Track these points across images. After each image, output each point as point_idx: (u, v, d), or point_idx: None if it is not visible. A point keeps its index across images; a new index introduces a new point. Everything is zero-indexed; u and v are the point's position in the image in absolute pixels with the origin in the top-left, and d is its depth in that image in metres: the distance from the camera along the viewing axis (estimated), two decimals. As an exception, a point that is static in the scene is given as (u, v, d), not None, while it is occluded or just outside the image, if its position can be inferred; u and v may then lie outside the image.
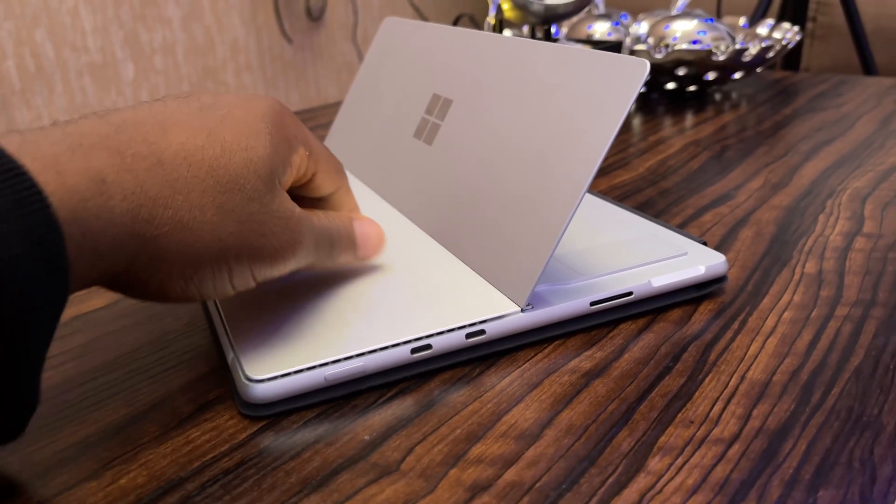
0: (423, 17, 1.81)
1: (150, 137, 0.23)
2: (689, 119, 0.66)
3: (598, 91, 0.29)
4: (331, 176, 0.29)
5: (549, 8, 0.55)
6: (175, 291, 0.24)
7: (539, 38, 0.60)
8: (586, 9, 0.75)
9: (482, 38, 0.37)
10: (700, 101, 0.73)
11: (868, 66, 1.23)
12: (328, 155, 0.29)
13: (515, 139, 0.32)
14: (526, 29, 0.64)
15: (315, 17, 1.55)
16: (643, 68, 0.27)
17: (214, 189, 0.23)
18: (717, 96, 0.76)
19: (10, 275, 0.18)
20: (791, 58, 1.29)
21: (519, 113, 0.32)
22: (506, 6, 0.56)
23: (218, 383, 0.27)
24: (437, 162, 0.37)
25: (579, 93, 0.29)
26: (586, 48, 0.30)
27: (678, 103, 0.73)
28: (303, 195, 0.29)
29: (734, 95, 0.76)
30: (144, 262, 0.22)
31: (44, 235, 0.19)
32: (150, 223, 0.22)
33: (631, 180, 0.49)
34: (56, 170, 0.20)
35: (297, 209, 0.26)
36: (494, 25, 0.60)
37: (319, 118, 0.70)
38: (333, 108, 0.74)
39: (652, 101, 0.74)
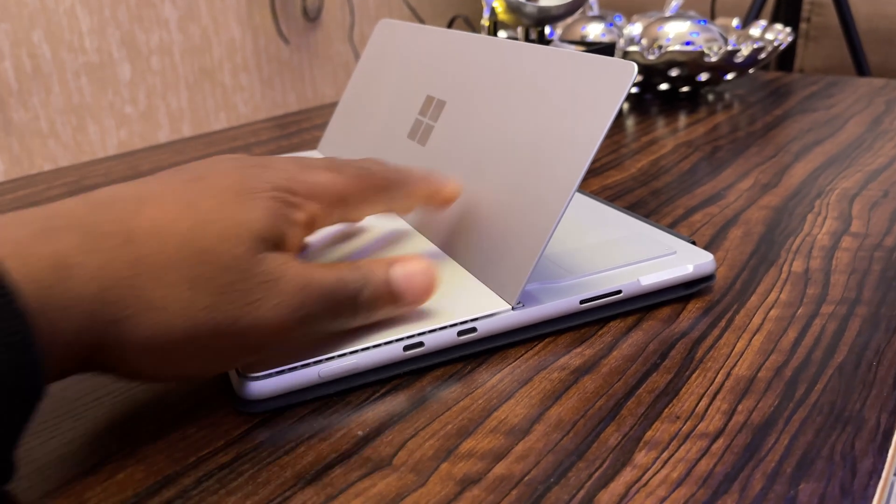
0: (419, 19, 1.82)
1: (123, 215, 0.22)
2: (682, 120, 0.67)
3: (587, 93, 0.29)
4: (370, 204, 0.27)
5: (542, 10, 0.56)
6: (150, 373, 0.23)
7: (533, 40, 0.61)
8: (580, 10, 0.75)
9: (475, 41, 0.38)
10: (693, 102, 0.74)
11: (861, 67, 1.24)
12: (360, 185, 0.27)
13: (506, 140, 0.32)
14: (520, 31, 0.65)
15: (311, 17, 1.55)
16: (631, 71, 0.28)
17: (186, 263, 0.22)
18: (710, 97, 0.76)
19: None
20: (785, 58, 1.30)
21: (510, 114, 0.33)
22: (499, 8, 0.57)
23: (214, 380, 0.27)
24: (430, 162, 0.37)
25: (569, 95, 0.30)
26: (577, 51, 0.31)
27: (671, 104, 0.73)
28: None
29: (727, 96, 0.76)
30: (112, 346, 0.21)
31: (9, 332, 0.18)
32: (115, 305, 0.21)
33: (623, 180, 0.50)
34: (20, 256, 0.19)
35: (292, 270, 0.23)
36: (489, 27, 0.61)
37: (315, 119, 0.71)
38: (330, 108, 0.75)
39: (645, 102, 0.75)
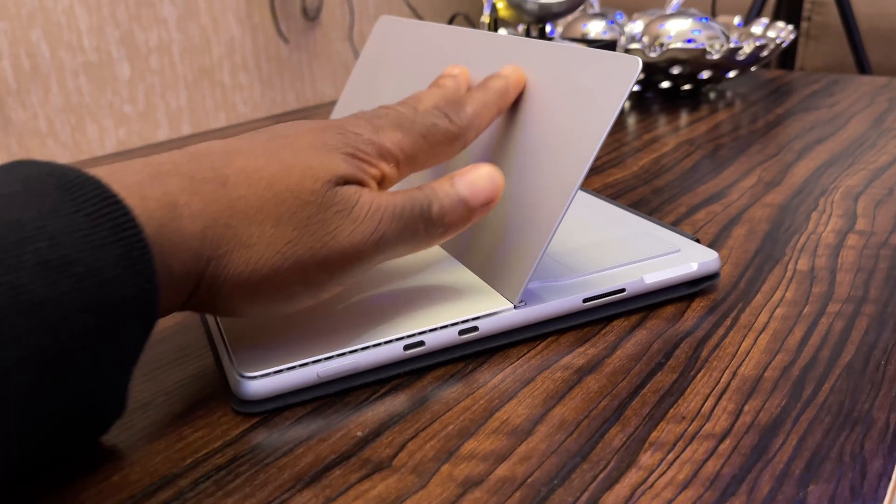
0: (419, 17, 1.82)
1: (217, 163, 0.24)
2: (684, 118, 0.66)
3: (590, 89, 0.29)
4: (441, 156, 0.28)
5: (543, 7, 0.55)
6: (243, 307, 0.24)
7: (534, 37, 0.60)
8: (581, 7, 0.75)
9: (476, 37, 0.38)
10: (694, 100, 0.73)
11: (862, 66, 1.24)
12: (428, 143, 0.28)
13: (509, 137, 0.32)
14: (521, 28, 0.64)
15: (311, 16, 1.55)
16: (636, 65, 0.27)
17: (272, 202, 0.24)
18: (712, 95, 0.76)
19: (108, 296, 0.19)
20: (786, 57, 1.30)
21: (512, 111, 0.32)
22: (500, 5, 0.56)
23: (211, 381, 0.27)
24: None
25: (572, 90, 0.29)
26: (580, 46, 0.30)
27: (673, 102, 0.73)
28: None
29: (728, 94, 0.76)
30: (210, 282, 0.23)
31: (136, 260, 0.20)
32: (214, 243, 0.23)
33: (624, 178, 0.49)
34: (139, 196, 0.22)
35: (365, 197, 0.25)
36: (489, 24, 0.60)
37: (312, 117, 0.70)
38: (328, 107, 0.75)
39: (647, 100, 0.74)
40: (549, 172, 0.29)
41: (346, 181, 0.25)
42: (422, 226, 0.26)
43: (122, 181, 0.22)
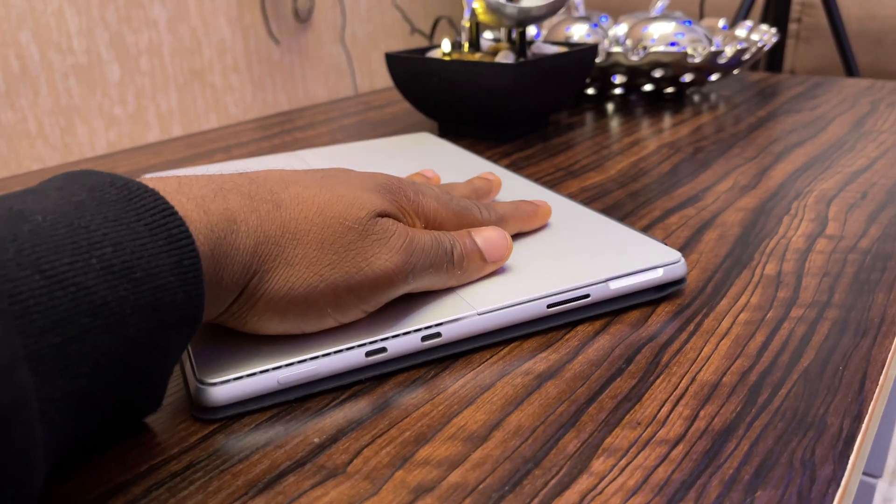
0: (408, 20, 1.82)
1: (274, 188, 0.26)
2: (666, 121, 0.67)
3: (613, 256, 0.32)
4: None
5: (522, 11, 0.56)
6: (272, 324, 0.26)
7: (514, 41, 0.61)
8: (562, 10, 0.75)
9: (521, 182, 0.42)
10: (678, 103, 0.74)
11: (850, 68, 1.24)
12: (457, 222, 0.32)
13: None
14: (503, 31, 0.64)
15: (303, 18, 1.55)
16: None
17: (319, 226, 0.26)
18: (696, 98, 0.76)
19: (160, 300, 0.21)
20: (774, 59, 1.30)
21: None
22: (480, 9, 0.56)
23: (174, 387, 0.27)
24: None
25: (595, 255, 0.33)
26: (631, 230, 0.35)
27: (656, 105, 0.73)
28: None
29: (713, 97, 0.76)
30: (248, 296, 0.25)
31: (188, 268, 0.22)
32: (263, 259, 0.24)
33: (602, 182, 0.49)
34: (203, 209, 0.23)
35: (400, 228, 0.28)
36: (470, 28, 0.60)
37: (297, 120, 0.70)
38: (318, 108, 0.75)
39: (630, 103, 0.74)
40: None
41: (388, 215, 0.28)
42: (446, 267, 0.29)
43: (190, 193, 0.24)
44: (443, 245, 0.29)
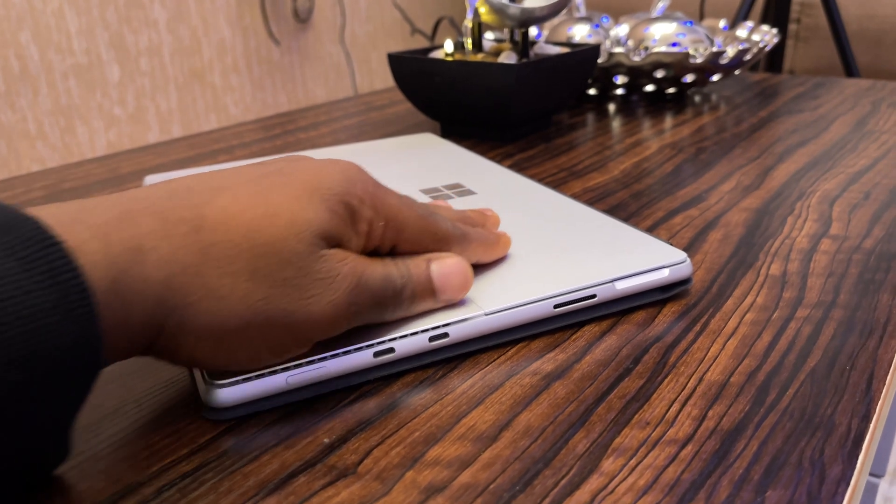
0: (408, 20, 1.82)
1: (196, 202, 0.23)
2: (668, 121, 0.67)
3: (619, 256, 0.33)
4: (420, 246, 0.28)
5: (525, 11, 0.56)
6: (206, 359, 0.23)
7: (517, 41, 0.61)
8: (564, 11, 0.75)
9: (543, 192, 0.42)
10: (679, 104, 0.74)
11: (850, 68, 1.24)
12: (421, 225, 0.28)
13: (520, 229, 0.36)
14: (506, 32, 0.65)
15: (302, 18, 1.55)
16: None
17: (249, 253, 0.23)
18: (697, 98, 0.76)
19: (42, 344, 0.18)
20: (774, 60, 1.30)
21: (536, 227, 0.36)
22: (483, 10, 0.57)
23: (183, 388, 0.27)
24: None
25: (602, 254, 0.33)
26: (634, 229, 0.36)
27: (657, 105, 0.73)
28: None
29: (714, 97, 0.76)
30: (173, 331, 0.22)
31: (75, 305, 0.19)
32: (180, 292, 0.22)
33: (605, 182, 0.49)
34: (103, 239, 0.21)
35: (347, 267, 0.25)
36: (472, 28, 0.60)
37: (299, 121, 0.70)
38: (319, 109, 0.75)
39: (631, 104, 0.75)
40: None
41: (331, 238, 0.24)
42: (392, 304, 0.27)
43: (88, 221, 0.21)
44: (392, 284, 0.26)
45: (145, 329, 0.22)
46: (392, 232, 0.27)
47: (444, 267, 0.28)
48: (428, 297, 0.28)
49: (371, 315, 0.26)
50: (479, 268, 0.32)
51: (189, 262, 0.22)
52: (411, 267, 0.27)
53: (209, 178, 0.25)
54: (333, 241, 0.25)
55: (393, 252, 0.28)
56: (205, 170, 0.48)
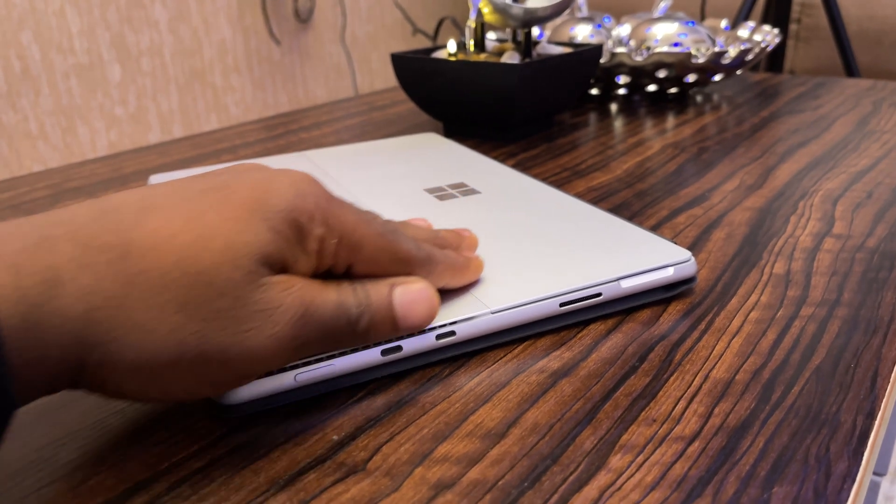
0: (410, 20, 1.82)
1: (124, 225, 0.21)
2: (670, 121, 0.67)
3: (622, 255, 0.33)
4: (379, 267, 0.25)
5: (528, 11, 0.56)
6: (135, 394, 0.22)
7: (520, 42, 0.61)
8: (567, 11, 0.75)
9: (539, 188, 0.42)
10: (681, 104, 0.74)
11: (850, 68, 1.24)
12: (380, 244, 0.25)
13: (525, 230, 0.36)
14: (508, 32, 0.65)
15: (303, 18, 1.55)
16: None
17: (179, 283, 0.20)
18: (699, 98, 0.76)
19: None
20: (775, 60, 1.30)
21: (540, 223, 0.37)
22: (486, 10, 0.57)
23: (190, 385, 0.27)
24: (436, 209, 0.40)
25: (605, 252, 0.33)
26: (637, 227, 0.36)
27: (659, 105, 0.74)
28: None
29: (715, 97, 0.76)
30: (97, 367, 0.20)
31: None
32: (102, 326, 0.20)
33: (608, 182, 0.50)
34: (14, 270, 0.19)
35: (292, 297, 0.22)
36: (475, 29, 0.61)
37: (302, 120, 0.71)
38: (321, 109, 0.75)
39: (633, 103, 0.75)
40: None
41: (275, 262, 0.22)
42: (347, 336, 0.24)
43: (1, 249, 0.19)
44: (347, 313, 0.24)
45: (65, 365, 0.20)
46: (347, 251, 0.24)
47: (409, 293, 0.25)
48: (387, 326, 0.25)
49: (321, 346, 0.24)
50: (485, 267, 0.32)
51: (113, 293, 0.20)
52: (371, 293, 0.25)
53: (141, 196, 0.22)
54: (278, 265, 0.22)
55: (350, 273, 0.25)
56: (205, 170, 0.48)
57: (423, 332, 0.28)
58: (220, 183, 0.23)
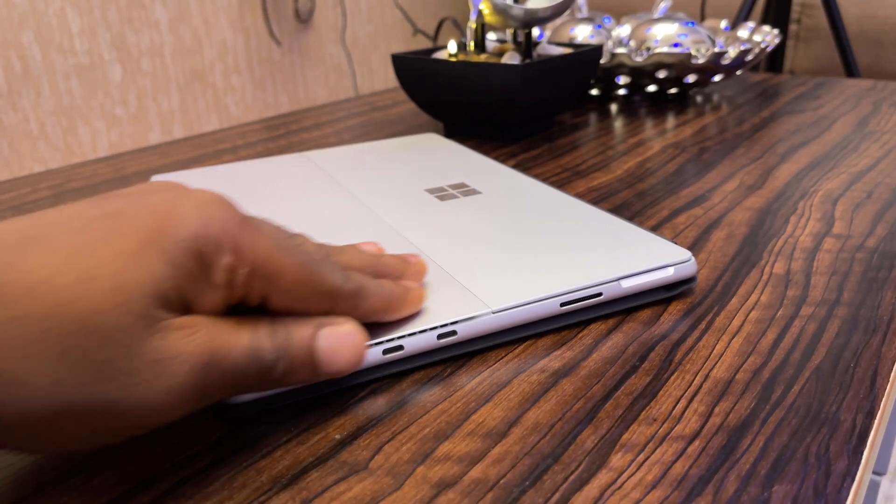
0: (410, 21, 1.82)
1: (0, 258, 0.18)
2: (670, 121, 0.67)
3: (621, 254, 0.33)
4: (299, 301, 0.23)
5: (528, 12, 0.56)
6: (19, 448, 0.20)
7: (521, 42, 0.61)
8: (567, 12, 0.76)
9: (543, 190, 0.42)
10: (681, 104, 0.74)
11: (850, 68, 1.25)
12: (299, 275, 0.23)
13: (524, 229, 0.36)
14: (508, 33, 0.65)
15: (303, 19, 1.55)
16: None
17: (59, 330, 0.18)
18: (699, 98, 0.76)
19: None
20: (775, 60, 1.31)
21: (539, 223, 0.37)
22: (486, 10, 0.57)
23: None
24: (437, 209, 0.39)
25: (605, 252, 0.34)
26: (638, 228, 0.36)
27: (659, 106, 0.74)
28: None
29: (715, 98, 0.77)
30: None
31: None
32: None
33: (608, 182, 0.50)
34: None
35: (193, 344, 0.20)
36: (476, 29, 0.61)
37: (303, 121, 0.71)
38: (321, 109, 0.75)
39: (633, 104, 0.75)
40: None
41: (172, 303, 0.20)
42: (257, 382, 0.22)
43: None
44: (260, 359, 0.22)
45: None
46: (261, 282, 0.22)
47: (333, 337, 0.23)
48: (306, 372, 0.23)
49: (231, 392, 0.22)
50: (486, 267, 0.32)
51: None
52: (293, 335, 0.23)
53: (22, 226, 0.20)
54: (178, 304, 0.20)
55: (265, 306, 0.23)
56: (207, 170, 0.48)
57: (423, 331, 0.28)
58: (115, 209, 0.20)
